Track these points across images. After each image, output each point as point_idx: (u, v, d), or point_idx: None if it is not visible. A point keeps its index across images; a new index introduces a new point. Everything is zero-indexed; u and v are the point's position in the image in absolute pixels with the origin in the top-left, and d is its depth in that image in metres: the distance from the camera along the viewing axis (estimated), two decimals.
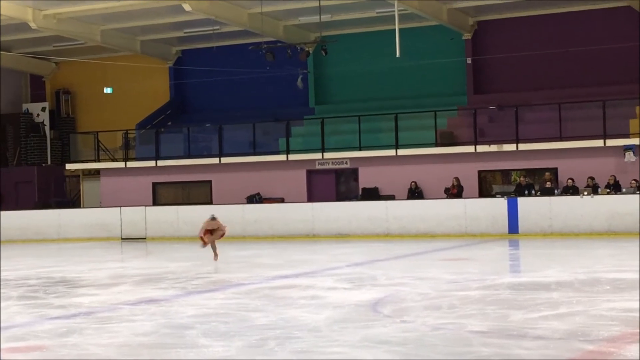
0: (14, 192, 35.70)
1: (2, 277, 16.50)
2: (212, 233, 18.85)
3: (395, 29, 26.29)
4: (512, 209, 25.03)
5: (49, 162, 37.17)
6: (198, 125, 33.34)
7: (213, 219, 19.03)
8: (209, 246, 18.95)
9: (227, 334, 9.47)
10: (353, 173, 30.00)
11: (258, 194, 30.24)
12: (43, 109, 37.79)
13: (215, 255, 18.84)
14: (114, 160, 33.13)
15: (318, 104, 33.81)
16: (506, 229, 25.07)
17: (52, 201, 34.43)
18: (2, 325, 10.47)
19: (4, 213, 30.47)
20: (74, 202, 35.50)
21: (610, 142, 26.39)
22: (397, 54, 26.25)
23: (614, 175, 25.68)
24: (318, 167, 30.11)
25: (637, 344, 8.24)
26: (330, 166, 30.00)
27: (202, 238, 18.87)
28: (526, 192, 26.23)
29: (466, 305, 11.19)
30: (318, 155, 29.83)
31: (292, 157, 30.09)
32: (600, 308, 10.62)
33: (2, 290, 14.28)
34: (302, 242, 25.76)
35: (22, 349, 8.85)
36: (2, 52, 34.29)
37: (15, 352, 8.66)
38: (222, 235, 19.06)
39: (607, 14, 30.06)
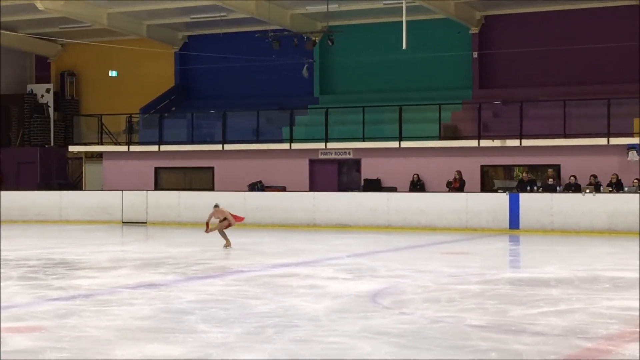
0: (16, 173, 35.72)
1: (2, 257, 16.53)
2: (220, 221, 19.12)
3: (402, 21, 26.24)
4: (514, 205, 25.02)
5: (52, 144, 37.18)
6: (202, 112, 33.34)
7: (216, 206, 19.20)
8: (215, 233, 19.14)
9: (226, 321, 9.49)
10: (355, 164, 29.99)
11: (260, 181, 30.24)
12: (47, 90, 37.76)
13: (227, 241, 18.95)
14: (117, 143, 33.13)
15: (323, 93, 33.77)
16: (507, 224, 25.06)
17: (54, 183, 34.43)
18: (1, 305, 10.50)
19: (6, 193, 30.48)
20: (76, 184, 35.52)
21: (614, 141, 26.37)
22: (404, 46, 26.20)
23: (616, 174, 25.66)
24: (321, 156, 30.10)
25: (636, 343, 8.25)
26: (333, 156, 29.99)
27: (207, 223, 19.10)
28: (528, 188, 26.24)
29: (465, 299, 11.21)
30: (321, 145, 29.83)
31: (295, 146, 30.09)
32: (600, 306, 10.63)
33: (2, 270, 14.31)
34: (303, 231, 25.76)
35: (21, 329, 8.87)
36: (8, 32, 34.27)
37: (14, 332, 8.67)
38: (228, 225, 19.19)
39: (614, 12, 29.99)
